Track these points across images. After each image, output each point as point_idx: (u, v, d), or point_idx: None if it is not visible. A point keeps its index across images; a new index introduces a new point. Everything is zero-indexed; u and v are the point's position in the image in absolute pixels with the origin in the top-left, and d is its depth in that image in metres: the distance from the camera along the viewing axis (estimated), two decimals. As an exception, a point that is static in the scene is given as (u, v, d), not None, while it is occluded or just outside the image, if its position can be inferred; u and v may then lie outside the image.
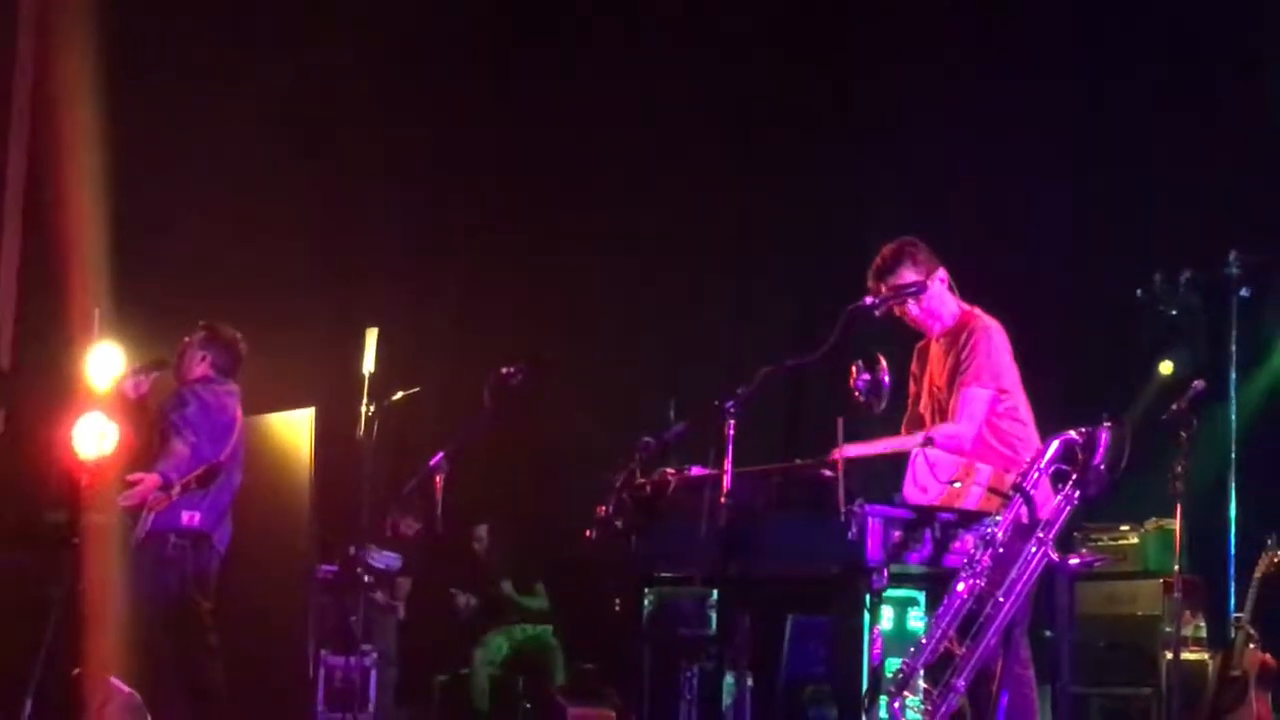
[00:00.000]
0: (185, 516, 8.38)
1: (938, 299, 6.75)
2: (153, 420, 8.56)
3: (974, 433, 6.44)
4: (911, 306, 6.74)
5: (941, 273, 6.73)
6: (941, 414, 6.65)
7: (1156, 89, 11.30)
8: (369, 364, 10.56)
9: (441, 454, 8.07)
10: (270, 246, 11.92)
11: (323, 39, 12.41)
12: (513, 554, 12.08)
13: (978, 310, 6.73)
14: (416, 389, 10.65)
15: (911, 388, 6.93)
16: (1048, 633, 7.38)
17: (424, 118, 13.18)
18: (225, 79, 11.95)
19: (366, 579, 11.36)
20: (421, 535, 11.78)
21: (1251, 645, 8.74)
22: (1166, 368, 10.51)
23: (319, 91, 12.54)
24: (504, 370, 8.12)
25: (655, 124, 12.92)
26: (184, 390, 8.60)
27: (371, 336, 10.63)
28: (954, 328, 6.71)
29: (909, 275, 6.69)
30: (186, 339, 8.77)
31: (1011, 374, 6.61)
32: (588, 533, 6.83)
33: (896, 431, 6.84)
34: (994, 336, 6.59)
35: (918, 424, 6.82)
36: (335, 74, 12.65)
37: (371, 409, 10.42)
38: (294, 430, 9.87)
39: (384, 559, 11.94)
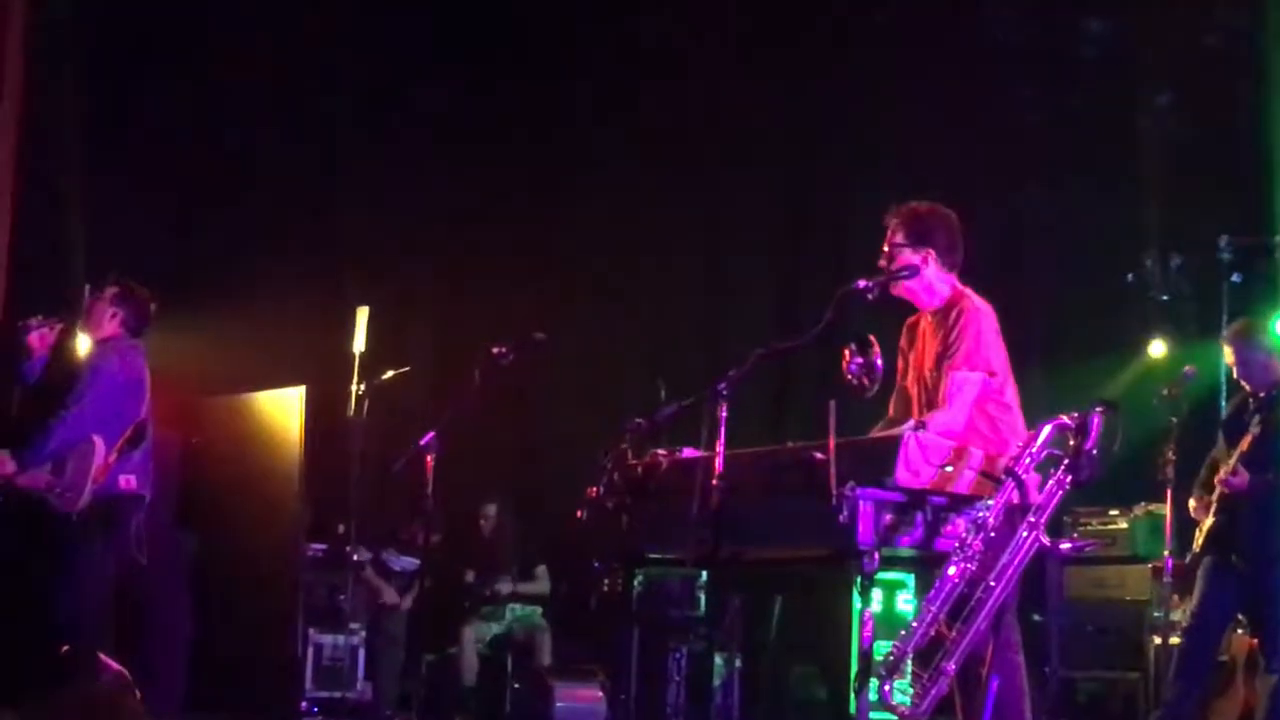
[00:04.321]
0: (123, 481, 8.27)
1: (931, 277, 6.69)
2: (63, 373, 8.44)
3: (965, 417, 6.42)
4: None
5: (933, 254, 6.68)
6: (929, 394, 6.61)
7: (1142, 71, 11.31)
8: (359, 343, 10.57)
9: (432, 433, 8.07)
10: (262, 225, 11.90)
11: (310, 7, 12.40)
12: (518, 534, 12.06)
13: (969, 291, 6.68)
14: (406, 368, 10.66)
15: (899, 364, 6.87)
16: (1037, 616, 7.42)
17: (416, 96, 13.17)
18: (214, 48, 11.93)
19: (356, 558, 11.37)
20: (443, 546, 11.73)
21: (1239, 631, 8.76)
22: (1157, 350, 10.55)
23: (308, 65, 12.50)
24: (495, 350, 8.12)
25: (640, 105, 12.93)
26: (97, 350, 8.47)
27: (362, 315, 10.64)
28: (944, 306, 6.66)
29: (906, 252, 6.64)
30: (97, 294, 8.60)
31: (1000, 357, 6.58)
32: (579, 513, 6.82)
33: (887, 413, 6.83)
34: (983, 318, 6.55)
35: (904, 400, 6.78)
36: (324, 46, 12.62)
37: (362, 388, 10.43)
38: (284, 409, 9.86)
39: (401, 562, 11.95)
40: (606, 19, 12.95)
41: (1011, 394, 6.58)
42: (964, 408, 6.40)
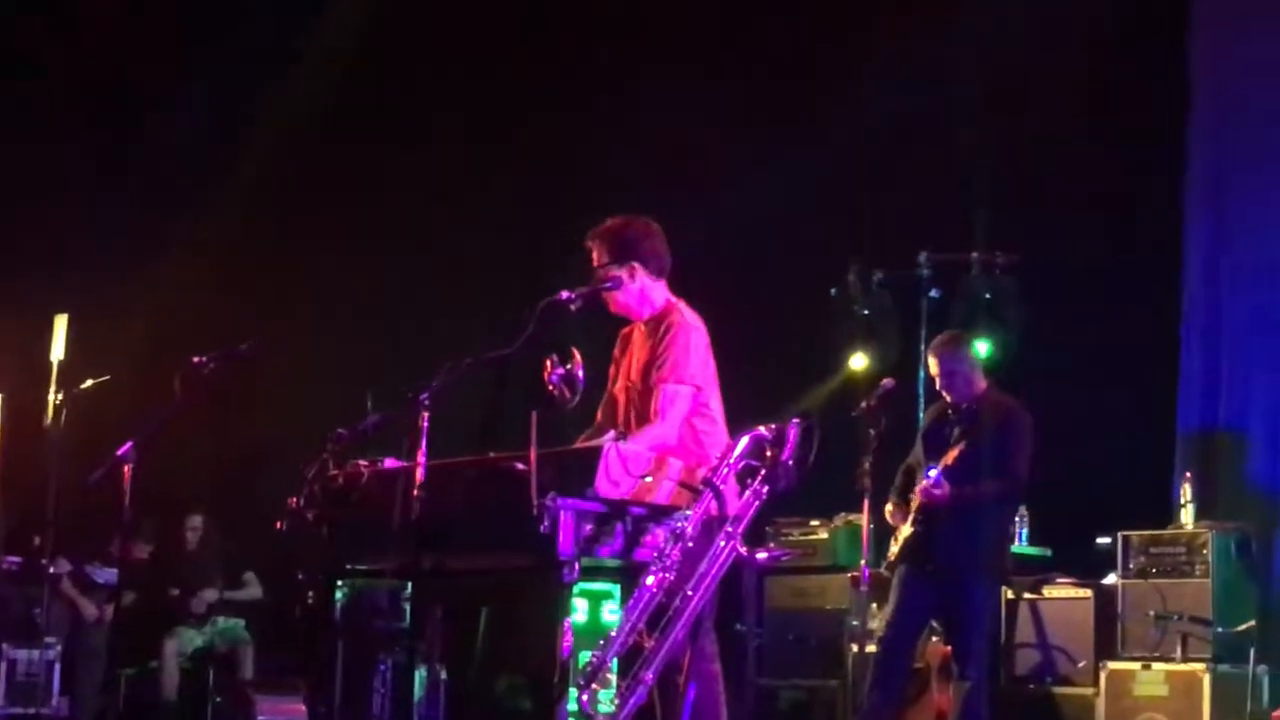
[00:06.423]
0: None
1: (640, 287, 6.74)
2: None
3: (676, 430, 6.49)
4: (616, 293, 6.75)
5: (638, 266, 6.73)
6: (635, 403, 6.67)
7: (849, 88, 11.51)
8: (58, 351, 10.33)
9: (130, 443, 7.92)
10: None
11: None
12: (225, 545, 11.89)
13: (681, 304, 6.75)
14: (107, 377, 10.43)
15: (611, 371, 6.94)
16: (738, 626, 7.52)
17: (121, 98, 12.93)
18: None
19: (53, 571, 11.11)
20: (151, 558, 11.55)
21: (934, 639, 8.96)
22: (857, 363, 10.76)
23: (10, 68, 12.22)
24: (196, 359, 8.00)
25: (354, 113, 12.85)
26: None
27: (61, 323, 10.40)
28: (655, 317, 6.72)
29: (612, 269, 6.71)
30: None
31: (707, 371, 6.67)
32: (279, 524, 6.75)
33: (590, 423, 6.87)
34: (692, 333, 6.62)
35: (612, 407, 6.83)
36: (31, 51, 12.36)
37: (60, 397, 10.18)
38: (-22, 418, 9.59)
39: (105, 574, 11.71)
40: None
41: (716, 407, 6.68)
42: (676, 421, 6.49)
